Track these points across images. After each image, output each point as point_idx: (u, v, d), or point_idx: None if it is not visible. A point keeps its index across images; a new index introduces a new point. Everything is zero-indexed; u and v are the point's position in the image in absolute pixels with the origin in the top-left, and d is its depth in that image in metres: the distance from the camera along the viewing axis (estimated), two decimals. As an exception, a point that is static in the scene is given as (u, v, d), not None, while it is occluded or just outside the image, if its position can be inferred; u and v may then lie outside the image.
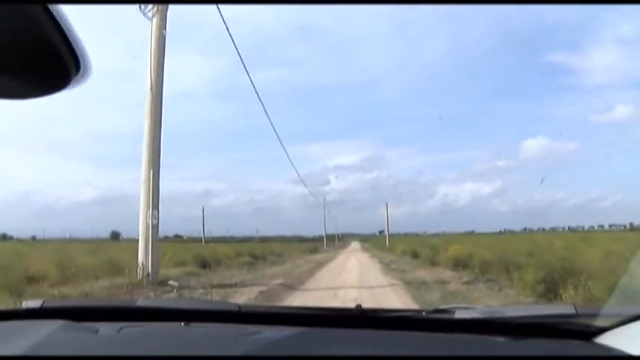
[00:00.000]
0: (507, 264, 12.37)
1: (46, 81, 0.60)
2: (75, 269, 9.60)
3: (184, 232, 65.89)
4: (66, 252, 14.68)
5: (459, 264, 16.83)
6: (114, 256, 12.38)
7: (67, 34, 0.54)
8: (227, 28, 10.36)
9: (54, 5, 0.52)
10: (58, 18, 0.52)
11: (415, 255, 26.85)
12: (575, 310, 1.18)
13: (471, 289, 10.31)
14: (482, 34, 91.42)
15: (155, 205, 9.48)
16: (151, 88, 9.38)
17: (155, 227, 9.46)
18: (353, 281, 12.19)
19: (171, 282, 9.97)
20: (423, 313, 1.35)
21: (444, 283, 11.57)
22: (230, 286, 10.11)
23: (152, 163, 9.49)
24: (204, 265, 15.70)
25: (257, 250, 27.59)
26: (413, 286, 10.55)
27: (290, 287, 10.30)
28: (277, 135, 18.52)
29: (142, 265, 9.31)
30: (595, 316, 1.17)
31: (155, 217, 9.45)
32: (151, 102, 9.46)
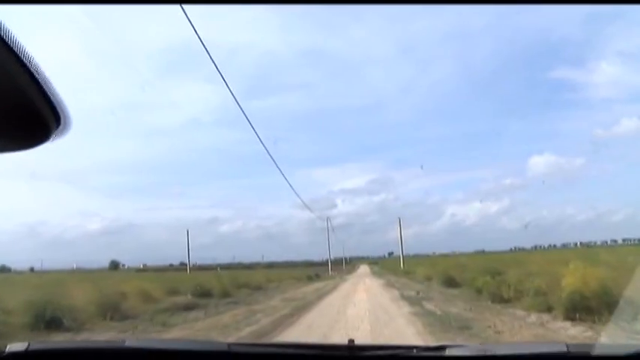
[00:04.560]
0: None
1: (26, 135, 0.60)
2: None
3: (193, 260, 59.66)
4: None
5: (579, 307, 8.53)
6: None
7: (45, 88, 0.54)
8: (215, 64, 8.94)
9: (31, 58, 0.51)
10: (34, 72, 0.51)
11: (450, 282, 19.01)
12: (567, 348, 1.22)
13: None
14: (487, 53, 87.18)
15: None
16: None
17: None
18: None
19: None
20: (414, 351, 1.38)
21: None
22: None
23: None
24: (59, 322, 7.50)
25: (226, 281, 19.48)
26: None
27: None
28: (274, 160, 17.91)
29: None
30: (587, 354, 1.20)
31: None
32: None
